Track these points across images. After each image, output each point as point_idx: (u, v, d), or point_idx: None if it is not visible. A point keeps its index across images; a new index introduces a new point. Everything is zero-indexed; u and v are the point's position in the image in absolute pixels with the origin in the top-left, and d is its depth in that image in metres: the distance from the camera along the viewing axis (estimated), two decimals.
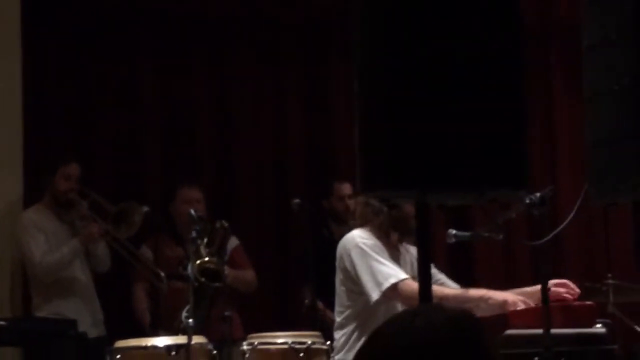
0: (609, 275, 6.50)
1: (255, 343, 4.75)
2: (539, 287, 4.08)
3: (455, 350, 1.38)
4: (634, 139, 2.93)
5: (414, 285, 3.88)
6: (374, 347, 1.44)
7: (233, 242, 6.21)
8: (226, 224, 5.66)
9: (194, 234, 5.03)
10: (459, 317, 1.42)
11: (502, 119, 2.86)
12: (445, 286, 4.69)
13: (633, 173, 2.93)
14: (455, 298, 4.51)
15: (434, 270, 4.70)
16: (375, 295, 4.38)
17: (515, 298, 4.44)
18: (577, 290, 4.45)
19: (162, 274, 6.07)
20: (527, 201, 4.10)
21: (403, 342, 1.40)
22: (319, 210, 6.70)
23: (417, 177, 2.82)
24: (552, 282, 4.30)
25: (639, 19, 2.94)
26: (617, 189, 3.04)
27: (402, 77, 2.83)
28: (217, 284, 5.48)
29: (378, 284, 4.39)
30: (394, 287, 4.37)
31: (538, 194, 4.09)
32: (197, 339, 4.76)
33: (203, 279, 5.34)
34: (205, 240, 5.44)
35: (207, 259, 5.44)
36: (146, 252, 6.33)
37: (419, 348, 1.38)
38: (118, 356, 4.75)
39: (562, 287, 4.46)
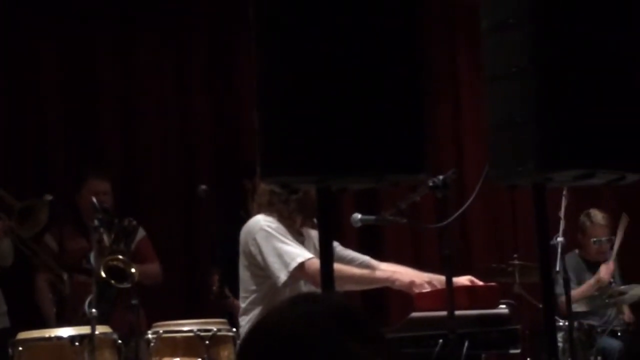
0: (515, 256, 6.61)
1: (161, 332, 4.69)
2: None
3: (327, 343, 1.35)
4: (532, 122, 2.94)
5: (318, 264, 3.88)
6: (255, 339, 1.41)
7: (140, 233, 6.12)
8: (134, 222, 5.60)
9: (96, 222, 4.94)
10: (338, 309, 1.40)
11: (401, 103, 2.84)
12: (354, 263, 4.69)
13: (531, 156, 2.94)
14: (361, 278, 4.53)
15: (340, 248, 4.72)
16: (283, 276, 4.37)
17: (421, 280, 4.46)
18: (480, 283, 4.48)
19: (65, 276, 5.96)
20: (430, 184, 4.11)
21: (281, 332, 1.37)
22: (237, 194, 6.64)
23: (316, 162, 2.80)
24: (456, 280, 4.33)
25: (536, 2, 2.96)
26: (516, 172, 3.06)
27: (300, 62, 2.80)
28: (125, 285, 5.41)
29: (285, 264, 4.38)
30: (301, 266, 4.37)
31: (441, 177, 4.11)
32: (101, 329, 4.68)
33: (112, 281, 5.29)
34: (113, 236, 5.37)
35: (117, 256, 5.38)
36: (50, 242, 6.20)
37: (295, 338, 1.36)
38: (20, 348, 4.64)
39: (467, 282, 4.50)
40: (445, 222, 3.84)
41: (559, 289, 6.12)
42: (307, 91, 2.78)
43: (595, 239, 7.37)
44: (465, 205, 3.63)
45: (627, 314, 7.30)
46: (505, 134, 3.06)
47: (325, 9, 2.82)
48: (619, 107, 3.05)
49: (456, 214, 3.76)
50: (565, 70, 2.98)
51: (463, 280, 4.45)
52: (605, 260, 7.35)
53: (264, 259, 4.45)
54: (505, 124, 3.05)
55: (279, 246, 4.43)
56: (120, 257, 5.42)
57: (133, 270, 5.44)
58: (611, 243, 7.37)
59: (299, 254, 4.41)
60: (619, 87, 3.06)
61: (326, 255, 3.00)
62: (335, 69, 2.80)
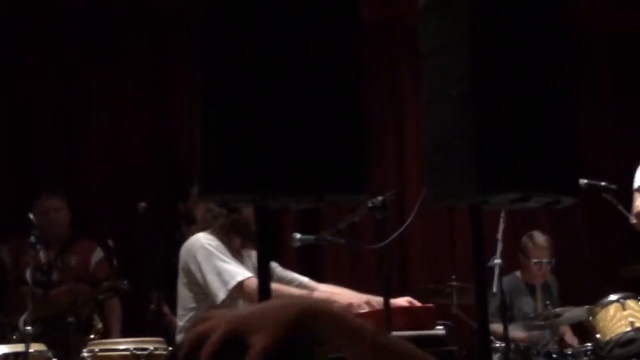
0: (453, 277, 6.64)
1: (96, 350, 4.65)
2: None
3: None
4: (470, 145, 2.97)
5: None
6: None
7: (97, 254, 6.11)
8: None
9: (32, 238, 4.90)
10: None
11: (341, 124, 2.86)
12: (293, 284, 4.70)
13: (468, 178, 2.97)
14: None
15: (280, 269, 4.72)
16: (222, 294, 4.37)
17: (359, 301, 4.48)
18: (418, 304, 4.50)
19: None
20: (370, 205, 4.14)
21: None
22: (174, 213, 6.63)
23: (256, 181, 2.80)
24: (394, 301, 4.35)
25: (475, 25, 2.99)
26: (454, 194, 3.09)
27: (242, 82, 2.80)
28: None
29: (224, 282, 4.38)
30: (240, 285, 4.37)
31: (380, 198, 4.14)
32: (35, 347, 4.62)
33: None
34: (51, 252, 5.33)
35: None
36: (5, 256, 6.16)
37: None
38: None
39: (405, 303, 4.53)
40: (383, 243, 3.87)
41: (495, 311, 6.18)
42: (248, 110, 2.78)
43: (536, 260, 7.45)
44: (404, 227, 3.65)
45: (568, 335, 7.36)
46: (444, 156, 3.08)
47: (268, 29, 2.83)
48: (554, 132, 3.10)
49: (394, 235, 3.78)
50: (504, 94, 3.01)
51: (401, 301, 4.47)
52: (545, 282, 7.45)
53: (203, 277, 4.44)
54: (443, 146, 3.08)
55: (219, 264, 4.43)
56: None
57: (99, 325, 5.43)
58: (551, 265, 7.47)
59: (239, 272, 4.41)
60: (554, 112, 3.11)
61: (263, 275, 3.00)
62: (277, 88, 2.81)
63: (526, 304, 7.42)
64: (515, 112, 3.02)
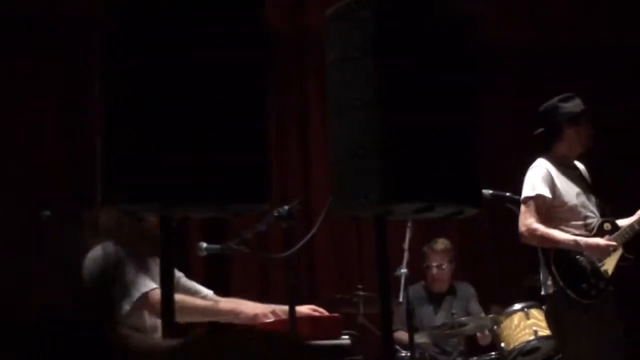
0: (360, 286, 6.67)
1: None
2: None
3: None
4: (374, 155, 2.99)
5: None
6: None
7: None
8: None
9: None
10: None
11: (244, 132, 2.84)
12: (198, 295, 4.65)
13: (373, 188, 2.98)
14: (205, 310, 4.49)
15: (184, 280, 4.67)
16: (126, 306, 4.30)
17: (265, 311, 4.46)
18: (326, 313, 4.50)
19: None
20: (276, 214, 4.14)
21: None
22: (79, 221, 6.51)
23: (158, 190, 2.76)
24: (299, 309, 4.35)
25: (379, 35, 3.01)
26: (359, 204, 3.09)
27: (143, 88, 2.76)
28: None
29: (128, 294, 4.31)
30: (145, 297, 4.31)
31: (286, 207, 4.14)
32: None
33: None
34: None
35: None
36: None
37: None
38: None
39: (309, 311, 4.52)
40: (288, 252, 3.86)
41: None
42: (149, 117, 2.74)
43: (427, 264, 7.53)
44: (308, 236, 3.65)
45: (483, 336, 7.30)
46: (349, 166, 3.09)
47: (171, 35, 2.80)
48: (457, 142, 3.13)
49: (299, 245, 3.78)
50: (408, 105, 3.03)
51: (305, 309, 4.47)
52: (442, 293, 7.52)
53: None
54: (348, 156, 3.08)
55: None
56: None
57: None
58: (450, 271, 7.53)
59: (143, 284, 4.35)
60: (458, 123, 3.14)
61: (167, 285, 2.96)
62: (179, 96, 2.77)
63: (427, 314, 7.47)
64: (419, 122, 3.04)
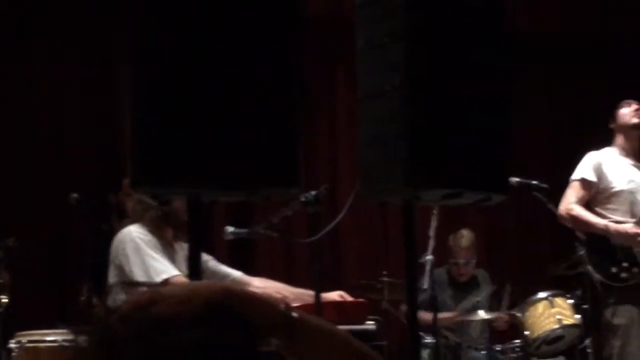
0: (384, 273, 6.69)
1: (24, 341, 4.59)
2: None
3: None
4: (402, 141, 2.99)
5: (185, 282, 3.85)
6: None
7: None
8: None
9: None
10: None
11: (274, 117, 2.85)
12: (228, 278, 4.69)
13: (401, 174, 2.99)
14: None
15: (213, 263, 4.70)
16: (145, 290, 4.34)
17: (292, 294, 4.50)
18: (350, 298, 4.52)
19: None
20: (302, 199, 4.15)
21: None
22: (105, 205, 6.56)
23: (187, 173, 2.78)
24: (326, 295, 4.37)
25: (410, 21, 3.00)
26: (386, 189, 3.10)
27: (175, 72, 2.78)
28: None
29: (150, 278, 4.35)
30: (165, 283, 4.34)
31: (313, 193, 4.15)
32: None
33: None
34: None
35: None
36: None
37: None
38: None
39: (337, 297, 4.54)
40: (314, 237, 3.87)
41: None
42: (180, 102, 2.76)
43: (453, 261, 7.53)
44: (335, 222, 3.66)
45: (502, 322, 7.30)
46: (377, 152, 3.09)
47: (201, 24, 2.81)
48: (486, 129, 3.13)
49: (325, 230, 3.79)
50: (438, 91, 3.03)
51: (333, 295, 4.49)
52: (466, 281, 7.51)
53: (130, 270, 4.41)
54: (376, 142, 3.09)
55: (146, 260, 4.39)
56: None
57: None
58: (471, 266, 7.53)
59: (165, 270, 4.38)
60: (487, 109, 3.13)
61: (195, 268, 2.98)
62: (210, 80, 2.79)
63: (448, 299, 7.47)
64: (448, 108, 3.04)
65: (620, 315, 5.61)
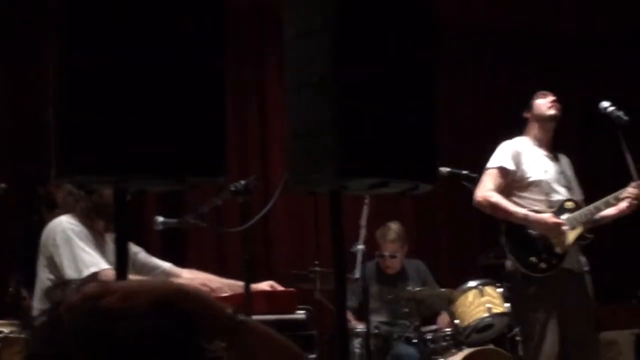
0: (316, 262, 6.70)
1: None
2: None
3: None
4: (329, 130, 2.99)
5: (113, 275, 3.83)
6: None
7: None
8: None
9: None
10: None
11: (201, 105, 2.84)
12: (157, 270, 4.67)
13: (327, 163, 2.99)
14: None
15: (143, 255, 4.67)
16: (73, 284, 4.30)
17: (222, 285, 4.50)
18: (281, 288, 4.52)
19: None
20: (232, 189, 4.14)
21: None
22: (33, 196, 6.47)
23: (113, 162, 2.75)
24: (256, 286, 4.37)
25: (337, 11, 3.01)
26: (314, 179, 3.10)
27: (97, 58, 2.74)
28: None
29: (78, 271, 4.31)
30: (94, 276, 4.30)
31: (243, 182, 4.15)
32: None
33: None
34: None
35: None
36: None
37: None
38: None
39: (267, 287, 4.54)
40: (243, 227, 3.87)
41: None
42: (104, 88, 2.73)
43: (379, 253, 7.59)
44: (264, 211, 3.66)
45: (445, 320, 7.41)
46: (304, 142, 3.09)
47: (123, 7, 2.78)
48: (413, 119, 3.14)
49: (255, 219, 3.80)
50: (364, 81, 3.03)
51: (263, 285, 4.49)
52: (393, 274, 7.57)
53: (60, 261, 4.37)
54: (304, 132, 3.09)
55: (76, 252, 4.35)
56: None
57: None
58: (399, 259, 7.58)
59: (94, 263, 4.35)
60: (414, 99, 3.15)
61: (121, 258, 2.95)
62: (134, 66, 2.76)
63: (378, 291, 7.52)
64: (375, 98, 3.04)
65: (538, 307, 5.65)
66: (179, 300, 1.46)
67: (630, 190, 5.78)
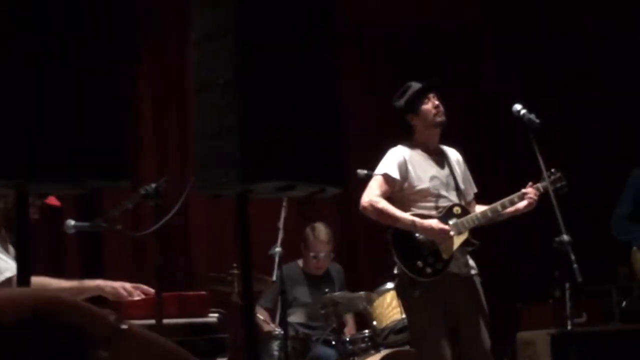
0: (234, 265, 6.68)
1: None
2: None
3: None
4: (235, 134, 2.99)
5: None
6: None
7: None
8: None
9: None
10: None
11: (101, 109, 2.82)
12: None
13: (233, 167, 2.99)
14: (71, 289, 4.46)
15: None
16: None
17: (130, 286, 4.46)
18: (151, 290, 4.46)
19: None
20: (142, 192, 4.11)
21: None
22: None
23: (10, 165, 2.72)
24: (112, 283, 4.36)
25: (240, 15, 3.01)
26: (220, 182, 3.10)
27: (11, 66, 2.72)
28: None
29: None
30: (9, 281, 4.24)
31: (153, 185, 4.12)
32: None
33: None
34: None
35: None
36: None
37: None
38: None
39: (137, 290, 4.50)
40: (150, 229, 3.85)
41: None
42: (3, 93, 2.70)
43: (313, 254, 7.56)
44: (170, 214, 3.65)
45: (350, 326, 7.50)
46: (211, 145, 3.09)
47: (28, 13, 2.75)
48: (319, 122, 3.16)
49: (161, 222, 3.78)
50: (270, 84, 3.04)
51: (116, 284, 4.45)
52: (320, 275, 7.58)
53: None
54: (210, 135, 3.09)
55: None
56: None
57: None
58: (330, 259, 7.59)
59: (8, 268, 4.28)
60: (320, 101, 3.16)
61: (23, 263, 2.91)
62: (36, 70, 2.74)
63: (303, 293, 7.53)
64: (280, 101, 3.05)
65: (422, 310, 5.67)
66: (58, 309, 1.42)
67: (528, 189, 5.85)
